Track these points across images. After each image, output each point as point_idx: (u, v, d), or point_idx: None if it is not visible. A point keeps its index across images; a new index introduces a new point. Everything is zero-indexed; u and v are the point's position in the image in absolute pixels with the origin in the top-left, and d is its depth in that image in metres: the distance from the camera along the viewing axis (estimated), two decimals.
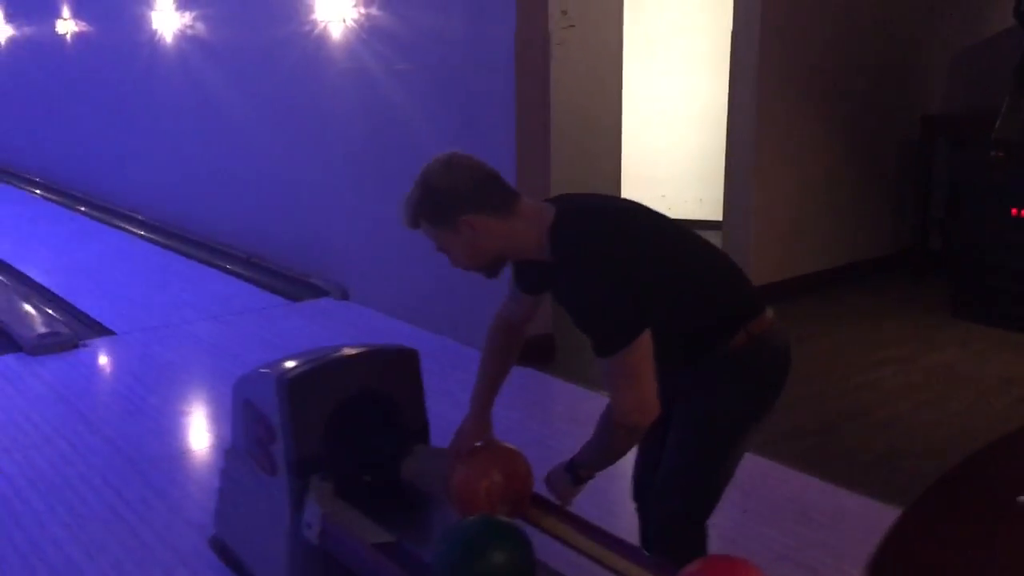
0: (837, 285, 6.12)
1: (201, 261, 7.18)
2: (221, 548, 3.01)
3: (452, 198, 2.00)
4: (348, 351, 2.77)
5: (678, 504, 2.17)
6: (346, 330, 5.42)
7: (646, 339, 1.88)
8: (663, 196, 7.50)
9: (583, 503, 2.28)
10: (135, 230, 8.45)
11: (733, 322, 2.04)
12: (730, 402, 2.07)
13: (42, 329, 5.14)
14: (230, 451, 2.94)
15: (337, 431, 2.61)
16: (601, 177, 6.93)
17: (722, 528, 2.54)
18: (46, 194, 10.80)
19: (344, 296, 5.98)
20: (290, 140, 6.41)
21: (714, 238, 2.99)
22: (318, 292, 6.09)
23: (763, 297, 2.15)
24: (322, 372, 2.65)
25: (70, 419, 4.13)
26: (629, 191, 7.35)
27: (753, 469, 3.29)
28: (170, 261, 7.37)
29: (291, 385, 2.56)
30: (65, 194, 10.41)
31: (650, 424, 1.93)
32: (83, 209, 9.63)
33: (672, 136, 7.78)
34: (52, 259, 7.61)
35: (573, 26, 6.71)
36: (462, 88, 4.83)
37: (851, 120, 6.06)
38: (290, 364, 2.67)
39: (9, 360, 4.91)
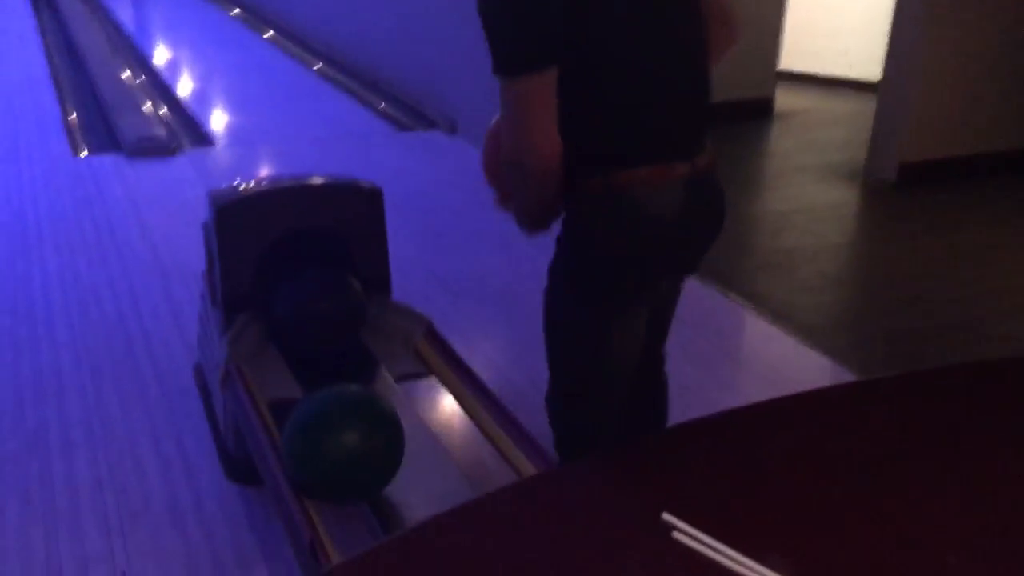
0: (1006, 173, 5.15)
1: (328, 79, 7.06)
2: (199, 373, 2.91)
3: None
4: (298, 181, 2.49)
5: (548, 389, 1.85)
6: (443, 165, 5.15)
7: (540, 83, 1.49)
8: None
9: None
10: (283, 42, 8.42)
11: (603, 156, 1.60)
12: (555, 270, 1.71)
13: (144, 132, 5.18)
14: (202, 274, 2.78)
15: (275, 268, 2.36)
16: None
17: None
18: None
19: (452, 130, 5.68)
20: None
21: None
22: (427, 123, 5.83)
23: (692, 147, 1.63)
24: (261, 200, 2.39)
25: (127, 223, 4.14)
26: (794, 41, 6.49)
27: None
28: (298, 76, 7.29)
29: (225, 211, 2.32)
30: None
31: (540, 164, 1.55)
32: (236, 12, 9.68)
33: None
34: (189, 61, 7.72)
35: None
36: None
37: None
38: (236, 188, 2.43)
39: (105, 160, 5.00)
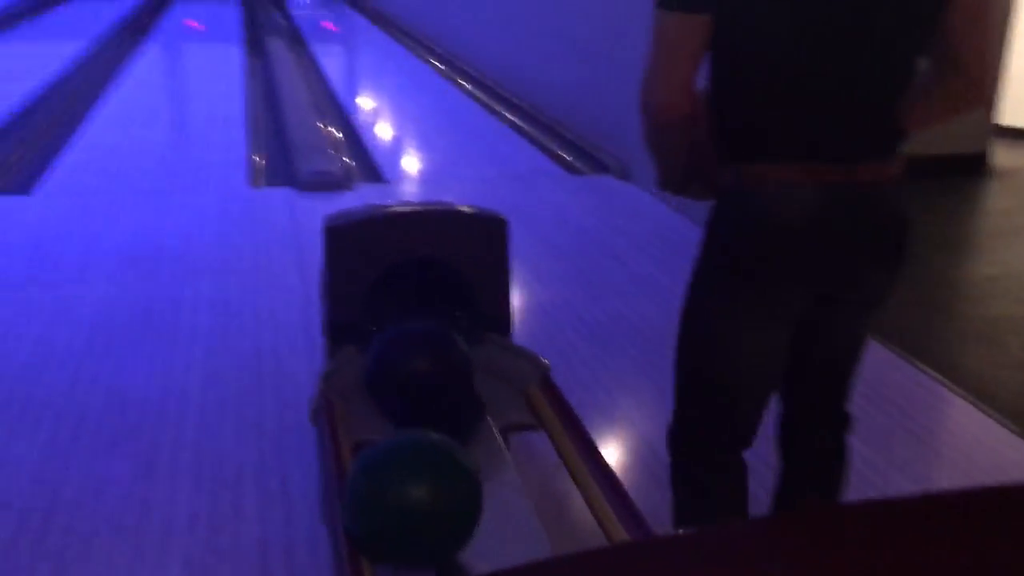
0: None
1: (507, 122, 7.02)
2: None
3: None
4: (416, 208, 2.31)
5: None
6: (611, 209, 4.92)
7: (682, 24, 1.44)
8: None
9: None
10: (473, 89, 8.50)
11: (739, 144, 1.50)
12: (697, 264, 1.61)
13: (319, 167, 5.26)
14: None
15: (385, 300, 2.19)
16: None
17: None
18: (399, 36, 11.46)
19: (624, 175, 5.43)
20: None
21: None
22: (600, 167, 5.61)
23: (853, 153, 1.45)
24: (374, 225, 2.22)
25: (285, 255, 4.14)
26: None
27: None
28: (478, 118, 7.29)
29: (335, 234, 2.17)
30: (414, 38, 10.87)
31: (658, 113, 1.50)
32: (420, 52, 9.97)
33: None
34: (376, 104, 7.91)
35: None
36: None
37: None
38: (351, 212, 2.28)
39: (279, 193, 5.10)
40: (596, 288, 3.82)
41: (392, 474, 1.51)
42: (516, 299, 3.84)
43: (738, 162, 1.49)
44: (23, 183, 5.12)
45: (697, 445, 1.68)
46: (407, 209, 2.31)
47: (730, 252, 1.52)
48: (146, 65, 9.45)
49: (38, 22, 12.88)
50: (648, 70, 1.49)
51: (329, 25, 13.96)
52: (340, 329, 2.17)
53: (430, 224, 2.24)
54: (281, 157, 5.79)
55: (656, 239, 4.35)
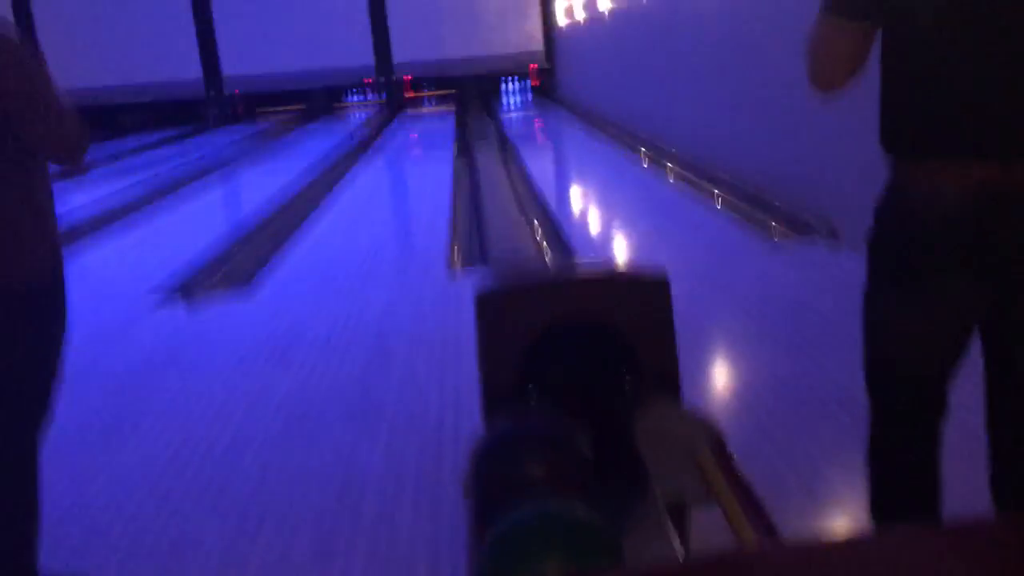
0: None
1: (702, 190, 6.88)
2: None
3: None
4: (573, 270, 2.19)
5: None
6: (818, 273, 4.61)
7: (841, 33, 1.57)
8: None
9: None
10: (661, 162, 8.46)
11: (894, 140, 1.58)
12: (867, 258, 1.72)
13: (510, 251, 5.31)
14: None
15: (543, 365, 2.07)
16: None
17: None
18: (600, 124, 11.75)
19: (832, 236, 5.08)
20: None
21: None
22: (803, 230, 5.30)
23: (1009, 152, 1.46)
24: (527, 290, 2.13)
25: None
26: None
27: None
28: (675, 195, 7.18)
29: (486, 300, 2.10)
30: (613, 125, 11.17)
31: (822, 91, 1.65)
32: (621, 138, 10.11)
33: None
34: (573, 189, 7.96)
35: None
36: None
37: None
38: (504, 276, 2.21)
39: (473, 277, 5.16)
40: (805, 354, 3.54)
41: (516, 550, 1.37)
42: (715, 368, 3.66)
43: (899, 158, 1.56)
44: (246, 285, 5.50)
45: (886, 430, 1.77)
46: (563, 272, 2.21)
47: (891, 245, 1.61)
48: (365, 172, 10.11)
49: (284, 141, 14.23)
50: (810, 66, 1.61)
51: (536, 123, 14.44)
52: (495, 400, 2.08)
53: (587, 286, 2.12)
54: (479, 246, 5.92)
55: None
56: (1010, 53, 1.43)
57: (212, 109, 18.11)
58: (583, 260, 2.70)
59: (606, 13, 12.31)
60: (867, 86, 1.66)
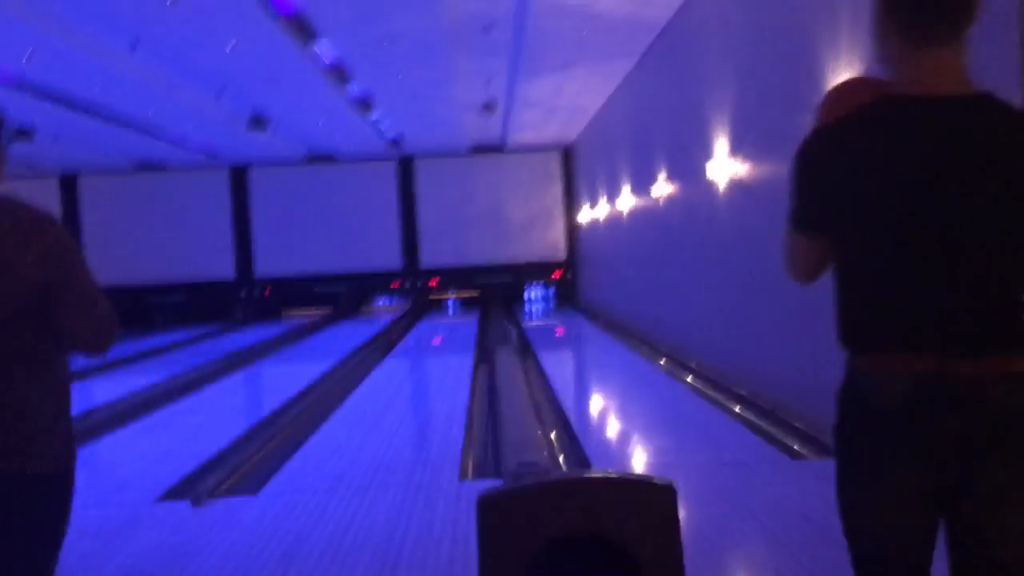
0: None
1: (722, 407, 6.82)
2: None
3: None
4: (576, 477, 2.15)
5: None
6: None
7: (806, 244, 1.80)
8: None
9: None
10: (679, 372, 8.45)
11: (846, 334, 1.75)
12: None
13: (525, 459, 5.23)
14: None
15: None
16: None
17: None
18: (619, 332, 12.00)
19: None
20: None
21: None
22: (824, 449, 5.19)
23: (948, 347, 1.61)
24: (530, 497, 2.09)
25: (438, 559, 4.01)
26: None
27: None
28: (695, 405, 7.15)
29: (487, 507, 2.05)
30: (632, 334, 11.36)
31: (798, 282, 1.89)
32: (639, 347, 10.21)
33: None
34: (591, 398, 7.95)
35: None
36: None
37: None
38: (506, 483, 2.17)
39: (483, 484, 5.06)
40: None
41: None
42: None
43: (852, 351, 1.71)
44: (253, 485, 5.41)
45: None
46: (566, 478, 2.18)
47: (851, 436, 1.70)
48: (385, 374, 10.17)
49: (310, 342, 14.45)
50: (786, 267, 1.86)
51: (557, 331, 14.64)
52: None
53: (591, 493, 2.07)
54: (493, 455, 5.84)
55: None
56: (946, 262, 1.61)
57: (242, 307, 18.55)
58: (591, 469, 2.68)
59: (624, 221, 12.79)
60: None
